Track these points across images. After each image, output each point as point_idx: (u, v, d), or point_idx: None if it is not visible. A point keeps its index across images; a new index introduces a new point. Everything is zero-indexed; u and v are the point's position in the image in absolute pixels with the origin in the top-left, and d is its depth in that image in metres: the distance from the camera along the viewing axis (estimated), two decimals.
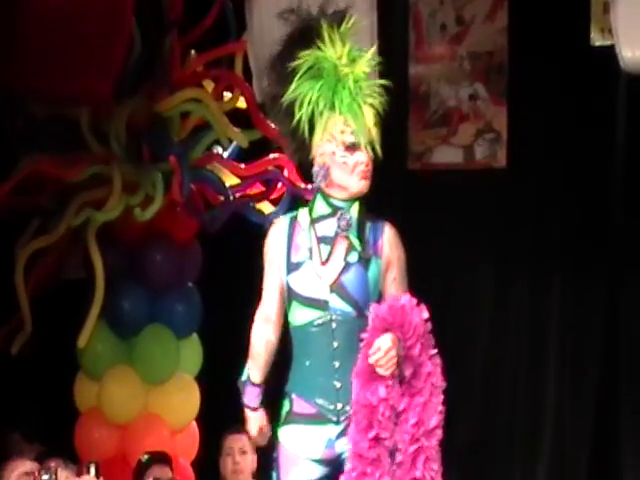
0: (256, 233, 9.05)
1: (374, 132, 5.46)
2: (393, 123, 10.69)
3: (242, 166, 9.30)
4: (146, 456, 8.39)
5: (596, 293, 10.71)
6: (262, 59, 8.15)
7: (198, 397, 9.64)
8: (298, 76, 5.38)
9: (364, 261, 5.39)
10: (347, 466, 5.23)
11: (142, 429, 9.36)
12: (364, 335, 5.21)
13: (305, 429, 5.43)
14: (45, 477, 6.96)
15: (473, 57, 10.87)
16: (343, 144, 5.41)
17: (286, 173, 9.10)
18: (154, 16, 9.20)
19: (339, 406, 5.36)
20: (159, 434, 9.32)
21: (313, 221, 5.46)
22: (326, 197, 5.46)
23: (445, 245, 10.51)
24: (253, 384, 5.56)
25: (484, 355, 10.84)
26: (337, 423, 5.38)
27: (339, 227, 5.41)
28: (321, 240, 5.42)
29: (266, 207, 9.33)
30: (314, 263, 5.40)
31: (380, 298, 5.43)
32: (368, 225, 5.46)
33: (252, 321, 5.70)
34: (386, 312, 5.20)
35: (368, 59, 5.46)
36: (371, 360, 5.14)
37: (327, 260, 5.37)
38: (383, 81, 5.55)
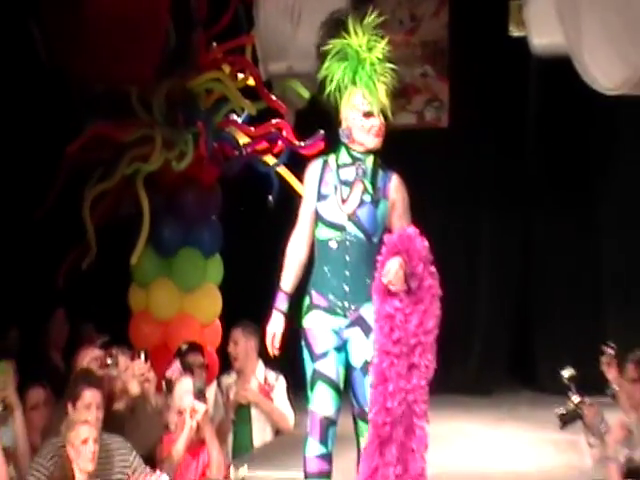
0: (262, 178, 9.36)
1: (386, 103, 5.38)
2: None
3: (252, 129, 9.34)
4: (185, 345, 8.25)
5: (515, 223, 10.95)
6: (267, 48, 8.28)
7: (220, 300, 9.71)
8: (329, 58, 5.35)
9: (375, 201, 5.35)
10: (375, 362, 5.15)
11: (179, 325, 9.39)
12: (379, 258, 5.18)
13: (322, 314, 5.36)
14: (109, 361, 6.94)
15: (423, 45, 11.02)
16: (362, 112, 5.36)
17: (285, 134, 9.16)
18: (184, 16, 9.14)
19: (346, 304, 5.33)
20: (192, 328, 9.33)
21: (338, 167, 5.39)
22: (349, 150, 5.42)
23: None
24: (282, 291, 5.43)
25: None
26: (345, 316, 5.34)
27: (357, 174, 5.38)
28: (343, 182, 5.38)
29: (270, 159, 9.37)
30: (337, 198, 5.33)
31: (387, 231, 5.36)
32: (380, 174, 5.42)
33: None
34: (396, 240, 5.20)
35: (382, 48, 5.39)
36: (384, 280, 5.12)
37: (346, 199, 5.33)
38: (393, 65, 5.44)
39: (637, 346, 7.21)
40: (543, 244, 10.94)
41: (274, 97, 9.23)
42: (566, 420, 6.53)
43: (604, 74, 7.31)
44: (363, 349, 5.31)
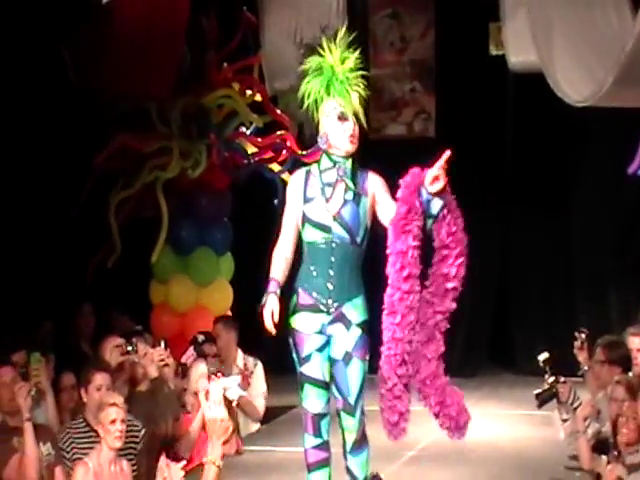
0: (269, 184, 9.38)
1: (359, 109, 5.20)
2: None
3: (259, 139, 9.37)
4: (201, 337, 8.08)
5: (494, 220, 10.92)
6: (272, 67, 8.33)
7: (232, 294, 9.73)
8: (308, 75, 5.19)
9: (356, 200, 5.17)
10: (387, 293, 5.01)
11: (195, 316, 9.38)
12: (402, 190, 5.08)
13: (308, 315, 5.16)
14: (129, 348, 6.94)
15: (412, 63, 11.00)
16: (336, 116, 5.17)
17: (289, 144, 9.20)
18: (198, 39, 9.17)
19: (329, 302, 5.12)
20: (206, 319, 9.17)
21: (321, 172, 5.21)
22: (329, 155, 5.21)
23: (391, 189, 10.39)
24: (273, 279, 5.16)
25: (421, 261, 10.87)
26: (328, 313, 5.13)
27: (338, 174, 5.18)
28: (326, 184, 5.19)
29: (275, 167, 9.40)
30: (322, 199, 5.15)
31: (368, 235, 5.21)
32: (358, 174, 5.23)
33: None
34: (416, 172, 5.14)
35: (353, 61, 5.18)
36: (439, 171, 5.14)
37: (330, 198, 5.14)
38: (364, 72, 5.22)
39: (605, 331, 7.27)
40: (520, 241, 10.93)
41: (279, 111, 9.27)
42: (542, 399, 6.56)
43: (573, 89, 7.34)
44: (344, 341, 5.14)
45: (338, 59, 5.18)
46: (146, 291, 9.58)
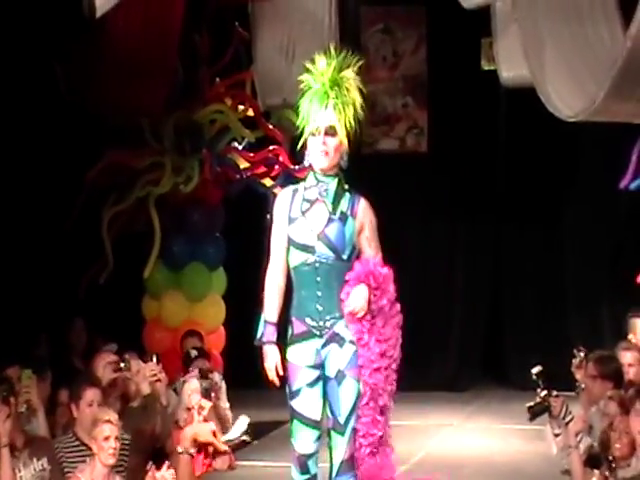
0: (261, 199, 9.37)
1: (336, 121, 4.97)
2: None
3: (251, 154, 9.35)
4: (194, 352, 8.14)
5: (487, 235, 10.99)
6: (264, 82, 8.34)
7: (224, 309, 9.69)
8: (302, 96, 5.07)
9: (342, 219, 5.01)
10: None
11: None
12: (345, 288, 4.96)
13: (301, 346, 5.02)
14: (122, 364, 6.90)
15: (404, 78, 11.08)
16: (310, 133, 5.03)
17: (281, 159, 9.18)
18: (191, 55, 9.15)
19: (321, 323, 5.00)
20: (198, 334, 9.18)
21: (305, 189, 5.09)
22: (314, 174, 5.07)
23: (385, 203, 10.37)
24: (269, 322, 5.06)
25: (413, 282, 10.73)
26: (320, 337, 5.01)
27: (319, 193, 5.03)
28: (306, 200, 5.04)
29: (268, 182, 9.37)
30: (304, 218, 5.03)
31: (356, 251, 5.06)
32: (346, 195, 5.07)
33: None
34: (360, 270, 4.96)
35: (346, 79, 5.02)
36: (345, 310, 4.95)
37: (308, 216, 5.02)
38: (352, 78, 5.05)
39: (597, 346, 7.27)
40: (512, 255, 10.98)
41: (271, 126, 9.28)
42: (534, 412, 6.55)
43: (565, 103, 7.35)
44: (337, 359, 5.03)
45: (328, 80, 5.02)
46: (138, 306, 9.56)
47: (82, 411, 6.11)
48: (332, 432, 5.06)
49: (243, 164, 9.35)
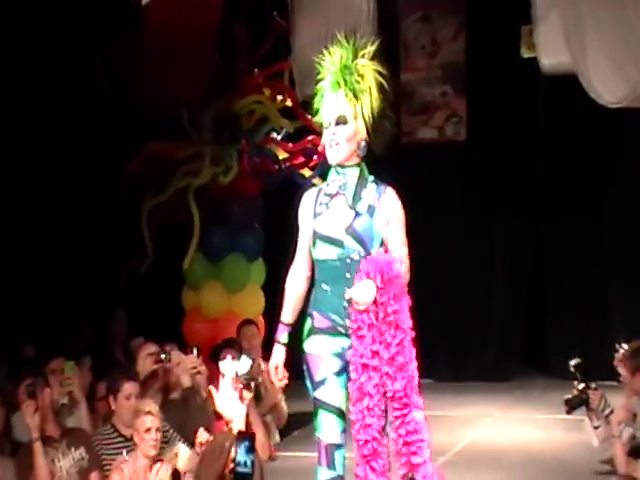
0: (300, 189, 9.34)
1: (347, 109, 4.72)
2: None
3: (290, 145, 9.38)
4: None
5: (527, 224, 10.87)
6: (302, 73, 8.27)
7: (263, 299, 9.70)
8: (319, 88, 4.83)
9: (371, 211, 4.75)
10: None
11: (226, 322, 9.30)
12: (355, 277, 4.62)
13: (324, 338, 4.75)
14: (162, 356, 6.93)
15: (443, 67, 11.00)
16: (323, 127, 4.82)
17: (320, 149, 9.02)
18: (229, 45, 9.15)
19: (347, 322, 4.67)
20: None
21: (328, 185, 4.83)
22: (334, 166, 4.80)
23: (423, 192, 10.42)
24: (282, 323, 4.86)
25: (453, 270, 10.95)
26: (347, 336, 4.68)
27: (339, 187, 4.77)
28: (327, 195, 4.79)
29: (306, 172, 9.38)
30: (329, 213, 4.75)
31: (384, 245, 4.75)
32: (373, 187, 4.80)
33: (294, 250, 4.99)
34: (371, 264, 4.62)
35: (359, 67, 4.75)
36: (346, 296, 4.59)
37: (328, 205, 4.76)
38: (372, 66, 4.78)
39: (638, 337, 7.20)
40: (553, 244, 10.87)
41: (309, 116, 9.23)
42: (572, 405, 6.54)
43: (607, 90, 7.31)
44: None
45: (339, 70, 4.78)
46: (178, 297, 9.57)
47: (120, 404, 6.14)
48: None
49: (282, 154, 9.36)
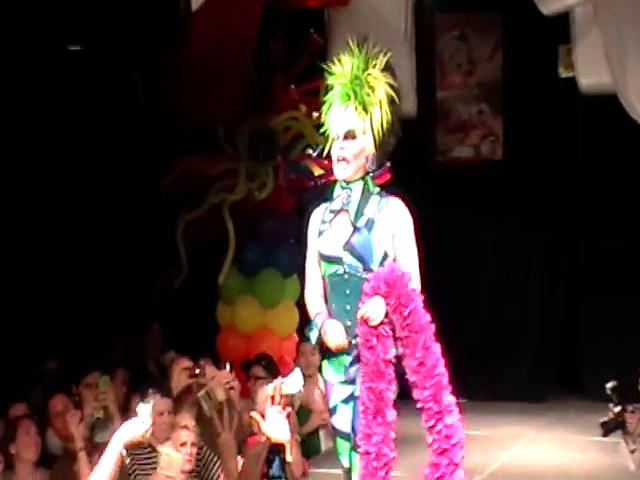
0: None
1: (356, 123, 4.56)
2: (426, 130, 10.93)
3: (325, 161, 8.93)
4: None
5: (564, 244, 10.80)
6: None
7: (298, 316, 9.58)
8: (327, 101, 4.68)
9: (370, 225, 4.61)
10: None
11: (261, 338, 9.34)
12: (364, 293, 4.47)
13: (331, 362, 4.67)
14: (197, 370, 6.91)
15: (479, 85, 10.96)
16: (332, 140, 4.65)
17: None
18: (266, 62, 9.16)
19: (352, 340, 4.53)
20: (271, 341, 9.29)
21: (333, 201, 4.71)
22: (340, 182, 4.67)
23: (459, 211, 10.49)
24: (319, 312, 4.69)
25: (488, 289, 10.89)
26: (348, 354, 4.59)
27: (342, 203, 4.64)
28: (331, 212, 4.70)
29: None
30: (330, 230, 4.68)
31: (390, 259, 4.60)
32: (375, 199, 4.64)
33: None
34: (381, 280, 4.45)
35: (368, 77, 4.60)
36: (357, 315, 4.42)
37: (332, 226, 4.67)
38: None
39: None
40: (590, 264, 10.77)
41: None
42: (608, 428, 6.44)
43: None
44: None
45: (348, 81, 4.60)
46: (213, 312, 9.55)
47: (153, 420, 6.11)
48: (353, 452, 4.68)
49: (317, 171, 9.32)
